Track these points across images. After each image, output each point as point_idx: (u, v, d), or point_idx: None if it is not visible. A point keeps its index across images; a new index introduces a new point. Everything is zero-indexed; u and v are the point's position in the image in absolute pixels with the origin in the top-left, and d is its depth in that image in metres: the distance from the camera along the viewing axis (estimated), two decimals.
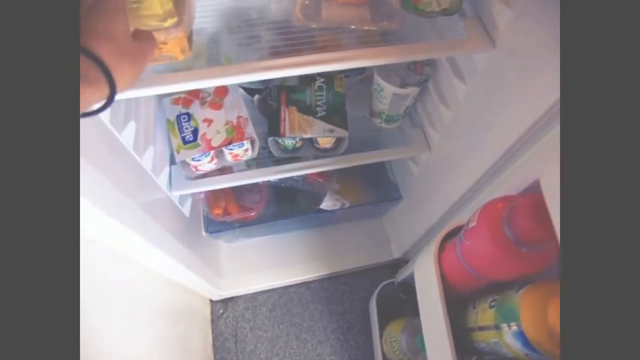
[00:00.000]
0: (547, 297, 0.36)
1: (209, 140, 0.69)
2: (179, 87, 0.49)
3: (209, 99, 0.72)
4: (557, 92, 0.42)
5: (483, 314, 0.46)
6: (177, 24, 0.45)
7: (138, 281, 0.74)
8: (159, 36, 0.45)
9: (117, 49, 0.27)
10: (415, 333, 0.78)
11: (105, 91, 0.26)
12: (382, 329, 0.97)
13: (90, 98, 0.26)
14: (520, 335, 0.38)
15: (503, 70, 0.52)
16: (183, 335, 0.95)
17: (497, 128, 0.56)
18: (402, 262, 1.15)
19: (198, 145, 0.69)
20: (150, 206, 0.61)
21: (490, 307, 0.44)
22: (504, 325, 0.40)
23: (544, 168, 0.32)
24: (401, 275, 0.96)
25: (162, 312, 0.85)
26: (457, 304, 0.54)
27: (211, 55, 0.60)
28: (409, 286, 0.91)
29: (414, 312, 0.63)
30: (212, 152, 0.70)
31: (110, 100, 0.27)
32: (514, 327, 0.38)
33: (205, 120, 0.71)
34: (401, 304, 0.97)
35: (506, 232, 0.38)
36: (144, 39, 0.32)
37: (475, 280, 0.46)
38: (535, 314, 0.36)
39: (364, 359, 1.09)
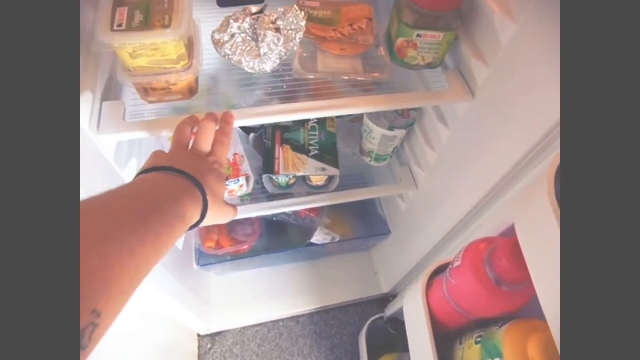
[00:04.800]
0: (528, 333, 0.38)
1: None
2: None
3: None
4: (529, 144, 0.46)
5: (469, 350, 0.48)
6: (187, 67, 0.50)
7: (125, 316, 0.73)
8: (171, 78, 0.49)
9: (213, 204, 0.40)
10: None
11: (196, 220, 0.39)
12: None
13: (192, 222, 0.38)
14: None
15: (482, 118, 0.57)
16: None
17: (477, 172, 0.60)
18: (390, 297, 1.17)
19: None
20: None
21: (476, 343, 0.46)
22: None
23: (516, 213, 0.35)
24: (390, 310, 0.97)
25: (149, 347, 0.84)
26: (445, 340, 0.56)
27: (210, 95, 0.63)
28: (398, 321, 0.92)
29: (405, 348, 0.64)
30: None
31: (196, 226, 0.39)
32: None
33: None
34: (391, 339, 0.98)
35: (488, 272, 0.41)
36: (230, 206, 0.46)
37: (462, 316, 0.48)
38: (516, 350, 0.38)
39: None
